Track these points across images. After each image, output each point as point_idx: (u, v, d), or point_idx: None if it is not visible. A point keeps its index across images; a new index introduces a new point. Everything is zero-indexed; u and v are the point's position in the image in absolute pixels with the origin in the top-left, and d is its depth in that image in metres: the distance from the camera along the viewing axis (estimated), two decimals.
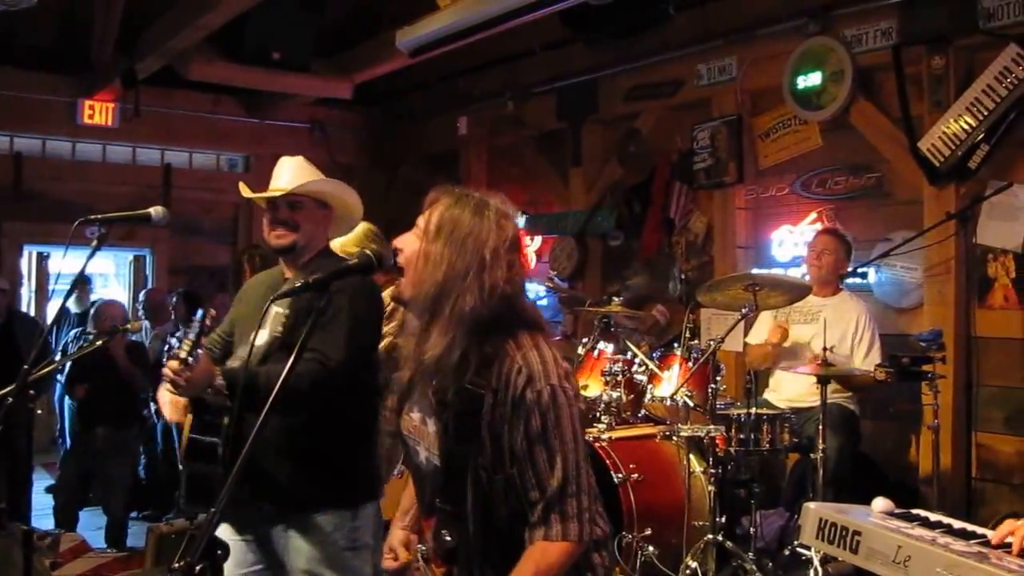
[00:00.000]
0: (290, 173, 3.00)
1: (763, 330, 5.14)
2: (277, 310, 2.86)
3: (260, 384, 2.58)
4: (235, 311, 3.13)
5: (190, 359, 2.41)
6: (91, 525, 6.51)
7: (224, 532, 2.87)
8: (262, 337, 2.85)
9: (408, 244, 1.98)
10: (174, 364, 2.50)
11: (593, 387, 5.01)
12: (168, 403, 2.84)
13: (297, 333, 2.64)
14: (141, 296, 7.94)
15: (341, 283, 2.72)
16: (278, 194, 2.91)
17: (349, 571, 2.79)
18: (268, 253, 5.39)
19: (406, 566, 2.18)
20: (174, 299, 7.07)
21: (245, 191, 3.10)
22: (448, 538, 1.96)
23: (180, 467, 2.84)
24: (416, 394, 2.08)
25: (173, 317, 7.12)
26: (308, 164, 3.07)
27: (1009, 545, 2.06)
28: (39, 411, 2.80)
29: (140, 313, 7.86)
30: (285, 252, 2.95)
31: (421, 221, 1.97)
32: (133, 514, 6.96)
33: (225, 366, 2.74)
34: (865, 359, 4.76)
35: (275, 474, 2.75)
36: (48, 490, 7.78)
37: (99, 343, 4.90)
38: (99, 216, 2.89)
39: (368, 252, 2.50)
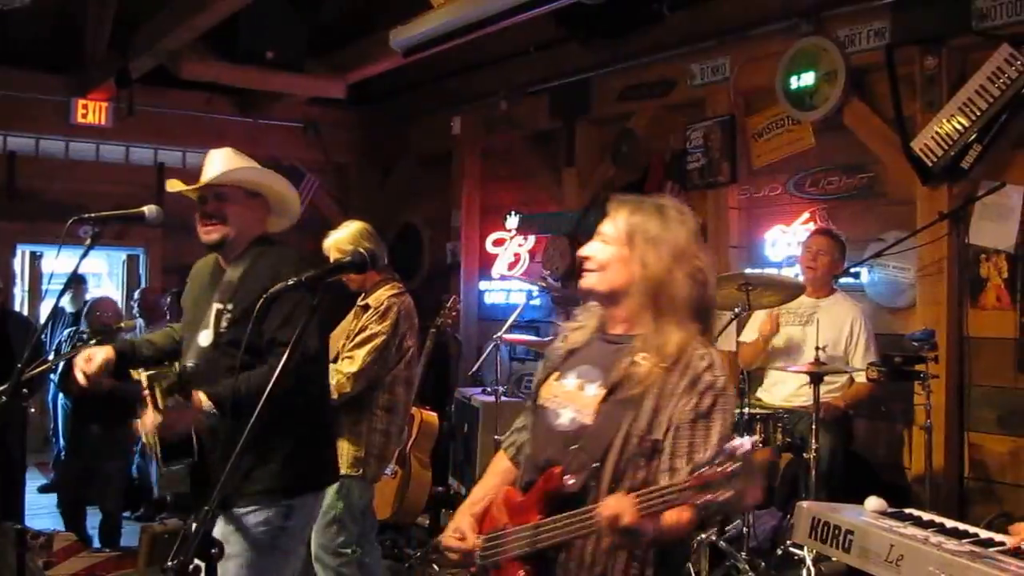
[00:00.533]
0: (217, 165, 2.95)
1: (755, 327, 5.15)
2: (216, 306, 2.85)
3: (243, 395, 2.58)
4: (184, 298, 3.13)
5: (168, 404, 2.41)
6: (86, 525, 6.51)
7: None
8: (206, 338, 2.84)
9: (598, 251, 2.20)
10: (146, 421, 2.53)
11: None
12: (81, 359, 2.84)
13: (240, 330, 2.67)
14: (135, 295, 7.93)
15: (286, 262, 2.79)
16: (199, 186, 2.88)
17: (257, 567, 2.78)
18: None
19: (468, 552, 2.24)
20: (168, 299, 7.06)
21: (171, 186, 3.05)
22: (571, 482, 2.05)
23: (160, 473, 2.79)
24: (575, 364, 2.24)
25: (168, 317, 7.10)
26: (237, 154, 3.02)
27: (1003, 543, 2.07)
28: (32, 410, 2.79)
29: (134, 312, 7.85)
30: (215, 248, 2.93)
31: (609, 229, 2.20)
32: (126, 514, 6.95)
33: (210, 390, 2.69)
34: (862, 362, 4.76)
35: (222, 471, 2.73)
36: (41, 490, 7.77)
37: (93, 342, 4.89)
38: (92, 215, 2.88)
39: (361, 251, 2.51)
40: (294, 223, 3.19)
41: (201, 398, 2.59)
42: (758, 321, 5.12)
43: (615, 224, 2.19)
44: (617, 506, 1.87)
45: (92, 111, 8.22)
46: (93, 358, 2.85)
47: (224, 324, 2.80)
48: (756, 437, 2.90)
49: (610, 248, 2.17)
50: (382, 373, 4.11)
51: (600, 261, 2.18)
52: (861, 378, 4.69)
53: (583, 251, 2.22)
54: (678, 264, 2.11)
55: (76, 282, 7.21)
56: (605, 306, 2.24)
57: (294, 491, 2.85)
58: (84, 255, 2.92)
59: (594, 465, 2.06)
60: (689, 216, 2.20)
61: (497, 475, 2.45)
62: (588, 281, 2.21)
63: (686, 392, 2.04)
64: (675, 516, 1.91)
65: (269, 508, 2.78)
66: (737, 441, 1.82)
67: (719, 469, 1.77)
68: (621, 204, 2.22)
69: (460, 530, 2.29)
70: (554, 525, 2.05)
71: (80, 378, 2.84)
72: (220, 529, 2.76)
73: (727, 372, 2.10)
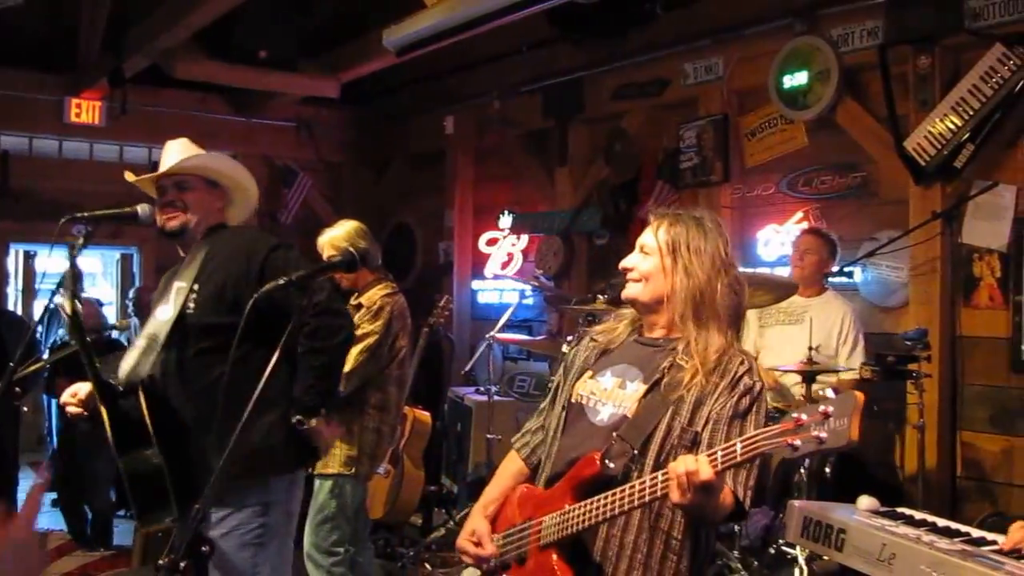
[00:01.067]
0: (174, 154, 2.98)
1: (749, 335, 5.14)
2: (179, 284, 2.88)
3: (320, 381, 2.74)
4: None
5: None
6: None
7: None
8: (165, 312, 2.86)
9: (639, 262, 2.29)
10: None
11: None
12: (68, 393, 2.87)
13: (211, 314, 2.73)
14: (131, 295, 7.91)
15: (251, 236, 2.90)
16: (159, 174, 2.91)
17: (242, 566, 2.78)
18: None
19: (485, 558, 2.27)
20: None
21: (129, 176, 3.09)
22: (612, 466, 2.12)
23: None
24: (611, 364, 2.32)
25: None
26: (193, 145, 3.05)
27: (995, 542, 2.07)
28: (24, 409, 2.78)
29: (130, 311, 7.83)
30: (175, 235, 2.96)
31: (650, 240, 2.29)
32: (120, 512, 6.93)
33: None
34: (849, 358, 4.77)
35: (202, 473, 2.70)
36: None
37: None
38: (85, 214, 2.87)
39: (352, 250, 2.52)
40: (250, 214, 3.22)
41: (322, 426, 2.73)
42: (749, 326, 5.13)
43: (656, 236, 2.28)
44: (691, 462, 1.91)
45: (85, 110, 8.20)
46: (78, 393, 2.88)
47: (192, 304, 2.80)
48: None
49: (652, 259, 2.26)
50: (374, 372, 4.11)
51: (643, 272, 2.27)
52: (849, 375, 4.70)
53: (625, 263, 2.31)
54: (719, 273, 2.22)
55: (72, 280, 7.17)
56: (644, 313, 2.32)
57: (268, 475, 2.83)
58: (77, 254, 2.90)
59: (634, 452, 2.13)
60: (723, 227, 2.32)
61: (510, 476, 2.46)
62: (632, 291, 2.29)
63: (725, 392, 2.14)
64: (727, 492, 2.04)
65: (242, 510, 2.77)
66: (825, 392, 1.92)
67: (815, 413, 1.84)
68: (661, 217, 2.32)
69: (477, 533, 2.32)
70: (587, 507, 2.08)
71: (71, 411, 2.87)
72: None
73: (763, 379, 2.21)
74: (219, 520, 2.74)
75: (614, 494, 2.03)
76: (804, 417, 1.82)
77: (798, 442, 1.82)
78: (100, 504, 6.39)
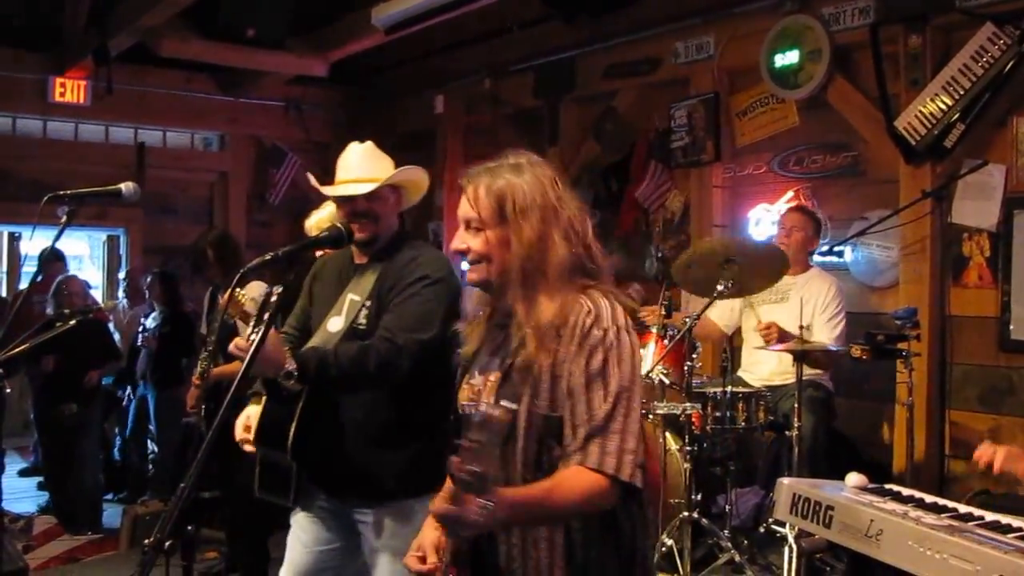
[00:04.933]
0: (362, 164, 2.95)
1: (724, 309, 5.13)
2: (352, 298, 2.85)
3: (331, 364, 2.60)
4: (307, 299, 3.10)
5: (254, 336, 2.38)
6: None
7: (302, 532, 2.92)
8: (336, 324, 2.83)
9: (471, 239, 1.98)
10: (241, 342, 2.49)
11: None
12: (240, 426, 2.83)
13: (375, 329, 2.72)
14: (122, 276, 7.87)
15: (419, 260, 2.83)
16: (362, 192, 2.85)
17: None
18: (237, 243, 5.36)
19: (431, 573, 2.03)
20: (148, 279, 7.01)
21: (317, 184, 3.03)
22: (477, 470, 1.86)
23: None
24: (481, 358, 2.07)
25: (147, 298, 7.06)
26: (375, 151, 3.02)
27: (980, 517, 2.08)
28: (8, 391, 2.75)
29: (121, 292, 7.79)
30: (367, 244, 2.91)
31: (470, 212, 1.97)
32: (109, 495, 6.93)
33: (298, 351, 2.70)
34: (823, 330, 4.72)
35: (367, 466, 2.76)
36: (22, 473, 7.73)
37: (72, 323, 4.84)
38: (68, 192, 2.83)
39: (339, 225, 2.49)
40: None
41: (285, 352, 2.58)
42: (727, 307, 5.13)
43: (476, 205, 1.96)
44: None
45: (70, 89, 8.10)
46: (250, 425, 2.84)
47: (362, 319, 2.81)
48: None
49: (484, 234, 1.95)
50: None
51: (478, 251, 1.97)
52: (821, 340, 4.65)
53: (456, 244, 2.01)
54: (550, 224, 1.92)
55: (55, 261, 7.14)
56: (493, 294, 2.03)
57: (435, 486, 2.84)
58: (60, 233, 2.87)
59: (495, 447, 1.86)
60: (545, 164, 2.03)
61: None
62: (475, 275, 2.00)
63: (577, 354, 1.86)
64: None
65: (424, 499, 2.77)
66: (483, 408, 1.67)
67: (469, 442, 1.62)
68: (474, 178, 2.00)
69: (421, 547, 2.09)
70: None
71: (247, 448, 2.84)
72: (368, 523, 2.81)
73: (620, 319, 1.91)
74: (392, 534, 2.77)
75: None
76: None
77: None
78: (87, 485, 6.37)
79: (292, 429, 2.68)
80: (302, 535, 2.91)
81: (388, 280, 2.81)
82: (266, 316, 2.30)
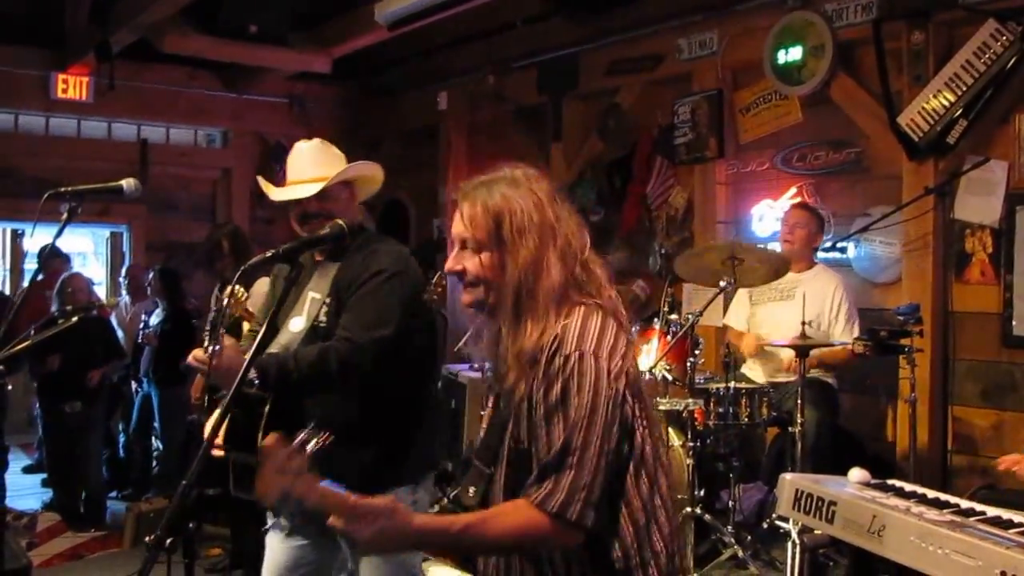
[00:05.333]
0: (310, 164, 2.91)
1: (741, 312, 5.14)
2: (313, 295, 2.83)
3: (291, 369, 2.60)
4: (271, 297, 3.09)
5: (212, 348, 2.37)
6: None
7: (278, 529, 2.91)
8: (297, 324, 2.83)
9: (468, 260, 1.88)
10: (199, 354, 2.49)
11: None
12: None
13: (336, 326, 2.72)
14: (124, 273, 7.87)
15: (374, 255, 2.80)
16: (310, 193, 2.82)
17: None
18: (248, 238, 5.36)
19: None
20: (150, 276, 7.01)
21: (268, 188, 2.99)
22: (471, 493, 1.90)
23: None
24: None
25: (149, 294, 7.06)
26: (324, 148, 2.97)
27: (983, 513, 2.07)
28: (9, 387, 2.76)
29: (123, 289, 7.80)
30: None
31: (465, 232, 1.87)
32: (113, 493, 6.94)
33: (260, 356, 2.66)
34: (844, 332, 4.77)
35: (338, 463, 2.72)
36: (26, 470, 7.74)
37: (74, 320, 4.85)
38: (68, 189, 2.82)
39: (340, 222, 2.48)
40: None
41: (243, 360, 2.56)
42: (742, 305, 5.13)
43: (470, 225, 1.86)
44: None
45: (72, 86, 8.11)
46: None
47: (323, 316, 2.79)
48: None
49: (481, 255, 1.85)
50: None
51: (475, 274, 1.87)
52: (840, 349, 4.69)
53: (451, 265, 1.91)
54: (548, 247, 1.82)
55: (57, 258, 7.15)
56: (490, 316, 1.92)
57: (416, 476, 2.87)
58: (61, 229, 2.86)
59: (489, 472, 1.90)
60: (543, 178, 1.92)
61: None
62: (471, 297, 1.90)
63: (541, 383, 1.77)
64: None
65: (399, 490, 2.77)
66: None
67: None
68: (470, 194, 1.88)
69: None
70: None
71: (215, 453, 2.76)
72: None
73: (600, 336, 1.79)
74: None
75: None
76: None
77: None
78: (92, 481, 6.38)
79: (260, 433, 2.67)
80: (280, 532, 2.92)
81: (345, 277, 2.80)
82: (210, 327, 2.32)
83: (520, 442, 1.81)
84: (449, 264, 1.92)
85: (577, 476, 1.71)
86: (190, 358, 2.56)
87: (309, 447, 1.71)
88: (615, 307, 1.87)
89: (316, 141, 2.99)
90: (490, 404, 2.01)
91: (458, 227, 1.89)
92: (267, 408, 2.69)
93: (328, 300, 2.79)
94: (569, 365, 1.75)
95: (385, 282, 2.74)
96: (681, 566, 1.90)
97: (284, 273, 2.99)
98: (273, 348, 2.81)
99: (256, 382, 2.54)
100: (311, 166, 2.89)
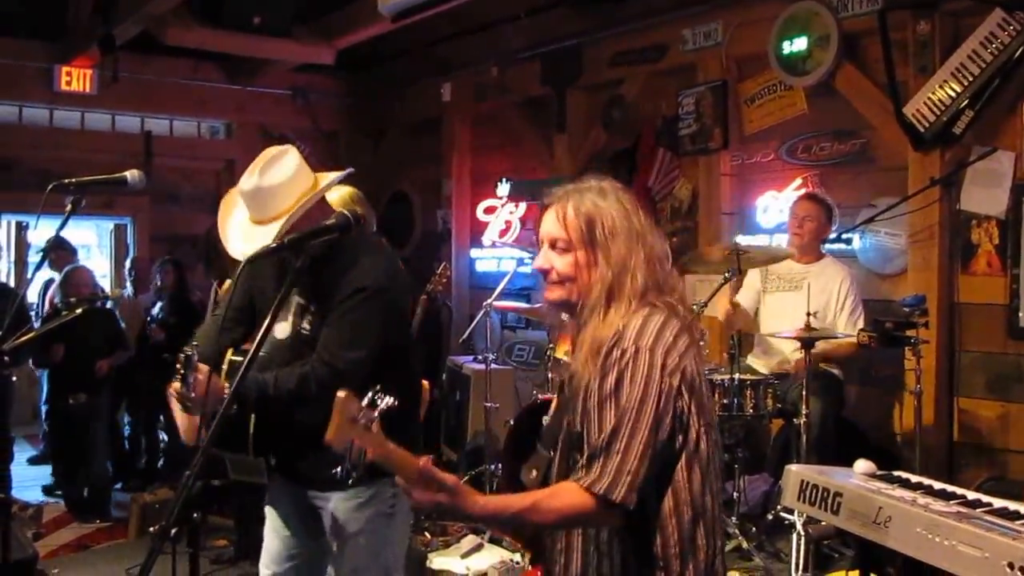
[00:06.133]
0: (269, 198, 2.59)
1: (750, 296, 5.13)
2: (298, 301, 2.75)
3: (271, 396, 2.59)
4: (252, 284, 2.87)
5: (189, 380, 2.38)
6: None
7: (269, 499, 2.95)
8: (283, 330, 2.77)
9: (555, 259, 2.00)
10: (177, 386, 2.49)
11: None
12: (183, 427, 2.77)
13: (319, 333, 2.67)
14: (128, 264, 7.87)
15: (358, 268, 2.66)
16: (269, 245, 2.42)
17: (382, 535, 2.82)
18: None
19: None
20: (159, 267, 7.02)
21: (226, 240, 2.73)
22: (533, 475, 2.08)
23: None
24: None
25: (158, 286, 7.06)
26: (275, 169, 2.60)
27: (989, 504, 2.06)
28: (14, 379, 2.75)
29: (127, 281, 7.80)
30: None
31: (558, 232, 1.99)
32: (118, 484, 6.95)
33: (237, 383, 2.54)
34: (847, 324, 4.75)
35: (313, 456, 2.70)
36: (31, 461, 7.76)
37: (79, 311, 4.85)
38: (73, 180, 2.82)
39: (346, 212, 2.46)
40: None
41: (223, 387, 2.56)
42: (750, 290, 5.12)
43: (565, 225, 1.98)
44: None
45: (76, 78, 8.11)
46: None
47: (306, 324, 2.73)
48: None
49: (570, 255, 1.97)
50: None
51: (563, 273, 1.98)
52: (846, 341, 4.68)
53: (539, 263, 2.03)
54: (637, 251, 1.95)
55: (62, 249, 7.15)
56: (569, 313, 2.04)
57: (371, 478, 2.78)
58: (65, 221, 2.86)
59: (550, 455, 2.06)
60: (627, 190, 2.06)
61: None
62: (555, 296, 2.01)
63: (597, 374, 1.89)
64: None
65: (378, 483, 2.75)
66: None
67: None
68: (562, 199, 2.01)
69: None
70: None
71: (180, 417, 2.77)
72: (323, 512, 2.81)
73: (659, 334, 1.89)
74: (348, 518, 2.77)
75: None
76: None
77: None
78: (96, 473, 6.39)
79: (251, 435, 2.68)
80: (273, 522, 2.95)
81: (328, 286, 2.68)
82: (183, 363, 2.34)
83: (575, 427, 1.93)
84: (537, 262, 2.04)
85: (623, 461, 1.81)
86: (170, 390, 2.54)
87: (380, 404, 1.80)
88: (683, 311, 1.98)
89: (267, 165, 2.61)
90: (557, 394, 2.17)
91: (550, 227, 2.01)
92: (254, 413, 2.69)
93: (313, 308, 2.72)
94: (625, 358, 1.86)
95: (366, 301, 2.63)
96: (722, 568, 1.98)
97: (260, 268, 2.80)
98: (261, 353, 2.68)
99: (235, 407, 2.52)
100: (273, 200, 2.59)
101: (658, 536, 1.90)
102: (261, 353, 2.66)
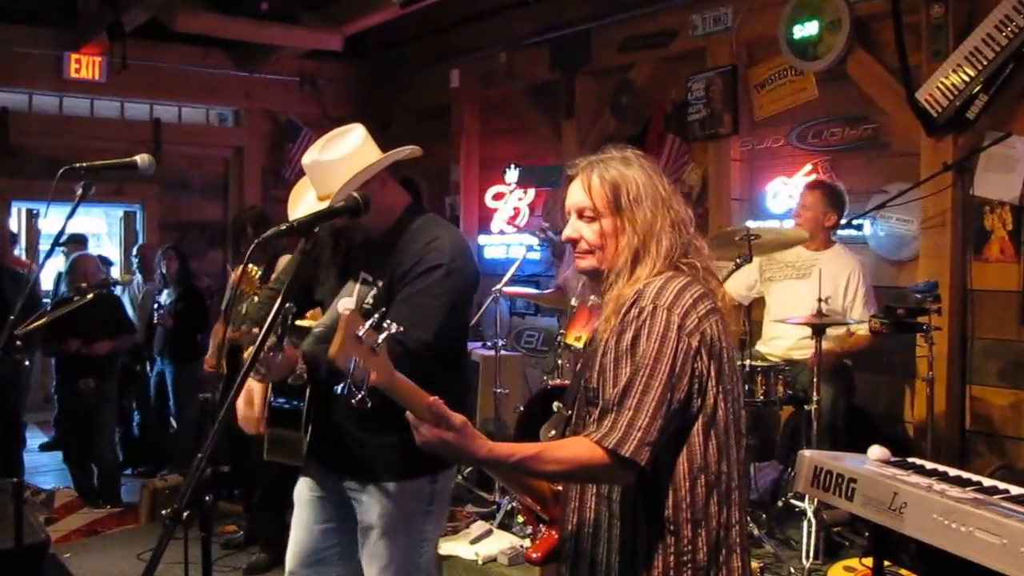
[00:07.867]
0: (329, 175, 2.62)
1: (741, 280, 5.08)
2: (365, 277, 2.70)
3: (333, 369, 2.53)
4: (308, 269, 2.82)
5: (274, 353, 2.33)
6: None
7: (302, 488, 2.88)
8: (346, 305, 2.67)
9: (583, 228, 2.02)
10: (252, 351, 2.45)
11: (586, 339, 4.98)
12: (242, 414, 2.69)
13: (387, 305, 2.56)
14: (135, 251, 7.89)
15: (433, 245, 2.59)
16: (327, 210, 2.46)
17: (417, 532, 2.76)
18: (270, 217, 5.34)
19: None
20: (161, 255, 7.02)
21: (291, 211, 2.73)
22: (552, 434, 2.13)
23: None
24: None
25: (164, 273, 7.07)
26: (344, 141, 2.67)
27: (1006, 491, 2.05)
28: (27, 363, 2.76)
29: (134, 267, 7.82)
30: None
31: (584, 201, 2.01)
32: (128, 470, 6.98)
33: (304, 348, 2.56)
34: (858, 315, 4.71)
35: (361, 447, 2.70)
36: (43, 447, 7.80)
37: (89, 297, 4.86)
38: (83, 165, 2.81)
39: (355, 195, 2.44)
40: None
41: (298, 356, 2.49)
42: (744, 274, 5.08)
43: (590, 194, 2.00)
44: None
45: (85, 66, 8.12)
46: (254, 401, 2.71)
47: (371, 299, 2.65)
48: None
49: (597, 223, 2.00)
50: None
51: (592, 242, 2.00)
52: (861, 329, 4.66)
53: (568, 232, 2.04)
54: (664, 216, 1.98)
55: (75, 241, 7.18)
56: (598, 281, 2.06)
57: (437, 468, 2.76)
58: (75, 207, 2.85)
59: (568, 415, 2.07)
60: (650, 158, 2.09)
61: None
62: (586, 264, 2.03)
63: (615, 331, 1.91)
64: None
65: (420, 480, 2.73)
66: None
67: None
68: (587, 168, 2.03)
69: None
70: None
71: (249, 430, 2.71)
72: (362, 502, 2.75)
73: (679, 296, 1.90)
74: (380, 513, 2.71)
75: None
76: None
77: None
78: (106, 457, 6.42)
79: (305, 415, 2.64)
80: (303, 514, 2.86)
81: (401, 263, 2.61)
82: (278, 329, 2.27)
83: (591, 383, 1.94)
84: (566, 232, 2.04)
85: (635, 416, 1.81)
86: (244, 356, 2.45)
87: (386, 327, 1.76)
88: (707, 275, 1.99)
89: (331, 140, 2.69)
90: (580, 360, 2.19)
91: (576, 197, 2.03)
92: (308, 393, 2.65)
93: (379, 284, 2.65)
94: (643, 316, 1.87)
95: (442, 279, 2.56)
96: (739, 544, 1.93)
97: (322, 241, 2.79)
98: (318, 327, 2.70)
99: (304, 376, 2.50)
100: (330, 179, 2.60)
101: (670, 499, 1.89)
102: (321, 328, 2.65)
